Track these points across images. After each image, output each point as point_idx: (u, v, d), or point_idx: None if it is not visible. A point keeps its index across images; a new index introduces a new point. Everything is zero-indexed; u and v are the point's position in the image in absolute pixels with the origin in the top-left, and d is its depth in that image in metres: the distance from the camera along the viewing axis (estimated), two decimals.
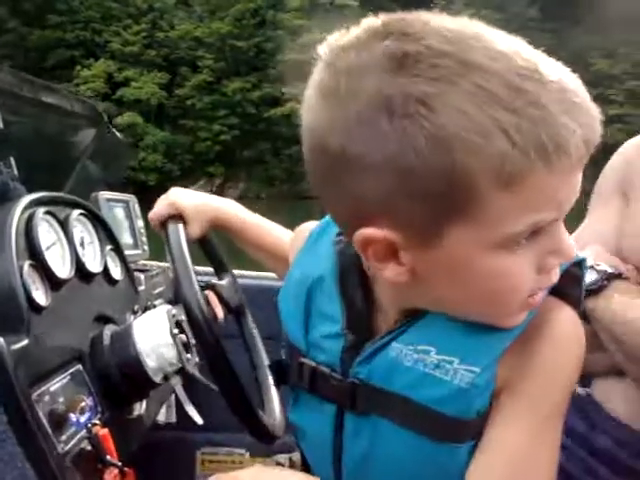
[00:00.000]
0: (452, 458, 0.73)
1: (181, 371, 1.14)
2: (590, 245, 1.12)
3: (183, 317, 1.16)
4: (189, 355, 1.13)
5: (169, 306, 1.18)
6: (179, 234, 0.99)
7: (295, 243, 0.97)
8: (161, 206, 1.08)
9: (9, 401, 0.87)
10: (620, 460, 1.03)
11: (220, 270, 1.24)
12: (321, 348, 0.83)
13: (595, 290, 1.01)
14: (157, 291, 1.66)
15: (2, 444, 0.87)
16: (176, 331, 1.14)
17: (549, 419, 0.72)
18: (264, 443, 0.96)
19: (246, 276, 1.84)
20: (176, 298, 0.95)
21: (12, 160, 1.59)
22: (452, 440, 0.73)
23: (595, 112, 0.61)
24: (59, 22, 45.64)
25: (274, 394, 1.05)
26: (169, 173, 41.44)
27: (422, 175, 0.58)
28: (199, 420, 0.94)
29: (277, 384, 0.98)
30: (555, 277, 0.69)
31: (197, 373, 1.14)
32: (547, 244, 0.65)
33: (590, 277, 1.02)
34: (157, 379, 1.13)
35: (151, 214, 1.09)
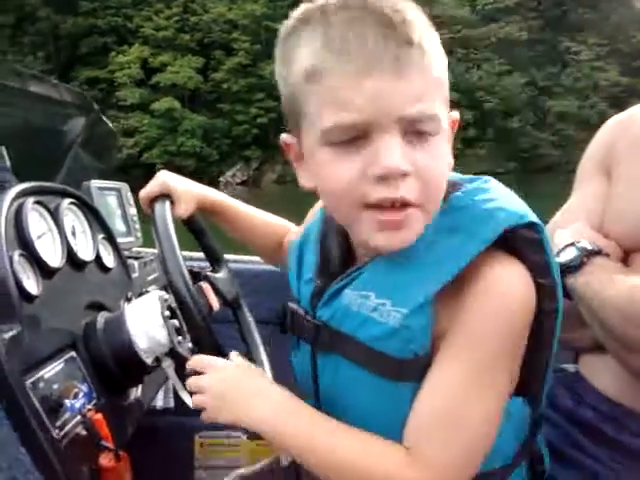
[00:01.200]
0: (397, 398, 0.80)
1: (173, 353, 1.15)
2: (575, 221, 1.13)
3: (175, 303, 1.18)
4: (180, 338, 1.14)
5: (162, 292, 1.20)
6: (165, 211, 1.03)
7: (309, 217, 1.09)
8: (151, 186, 1.11)
9: (3, 388, 0.88)
10: (604, 433, 1.05)
11: (216, 262, 1.25)
12: (301, 293, 0.95)
13: (575, 267, 1.02)
14: (151, 278, 1.67)
15: None
16: (167, 313, 1.16)
17: (482, 372, 0.75)
18: None
19: (239, 261, 1.86)
20: (162, 271, 0.98)
21: (3, 150, 1.59)
22: (395, 378, 0.79)
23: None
24: (91, 9, 45.64)
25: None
26: (207, 157, 41.75)
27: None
28: (191, 403, 0.96)
29: (282, 332, 1.03)
30: (397, 193, 0.73)
31: (189, 356, 1.15)
32: (369, 155, 0.73)
33: (570, 254, 1.03)
34: (149, 361, 1.14)
35: (141, 193, 1.12)
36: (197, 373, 0.91)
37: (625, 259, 1.07)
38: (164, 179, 1.11)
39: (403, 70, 0.71)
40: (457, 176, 0.89)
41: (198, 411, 1.14)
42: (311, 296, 0.92)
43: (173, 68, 43.31)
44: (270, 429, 0.83)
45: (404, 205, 0.74)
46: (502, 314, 0.76)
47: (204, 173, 38.68)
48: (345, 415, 0.84)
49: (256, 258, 1.92)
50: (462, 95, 40.19)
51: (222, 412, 0.87)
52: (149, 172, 43.94)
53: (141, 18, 46.18)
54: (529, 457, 0.92)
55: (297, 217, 1.23)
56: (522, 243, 0.79)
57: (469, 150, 40.67)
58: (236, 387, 0.87)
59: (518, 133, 42.15)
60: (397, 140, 0.72)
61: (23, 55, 44.63)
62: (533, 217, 0.80)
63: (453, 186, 0.84)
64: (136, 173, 42.67)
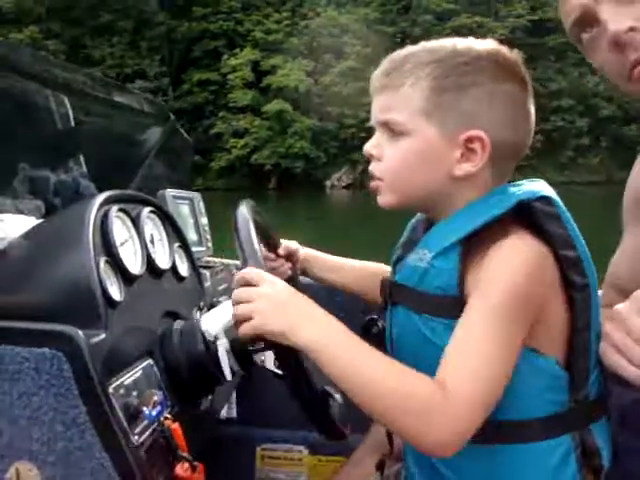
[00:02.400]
0: (437, 334, 0.95)
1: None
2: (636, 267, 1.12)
3: None
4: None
5: None
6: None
7: None
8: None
9: (88, 393, 0.89)
10: None
11: None
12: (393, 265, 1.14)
13: None
14: (221, 288, 1.69)
15: (81, 434, 0.90)
16: None
17: (495, 318, 0.88)
18: (334, 440, 0.98)
19: None
20: None
21: (82, 157, 1.63)
22: (434, 314, 0.96)
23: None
24: (203, 14, 47.44)
25: (337, 397, 1.06)
26: (315, 160, 42.48)
27: None
28: (229, 376, 1.01)
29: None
30: (369, 167, 1.04)
31: (267, 364, 1.13)
32: None
33: None
34: (226, 372, 1.14)
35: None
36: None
37: None
38: None
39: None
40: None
41: (260, 422, 1.13)
42: (393, 264, 1.12)
43: (284, 71, 44.15)
44: (315, 350, 0.87)
45: (372, 176, 1.04)
46: (508, 275, 0.89)
47: (311, 176, 39.57)
48: (408, 362, 0.91)
49: None
50: (576, 102, 39.73)
51: (271, 320, 0.89)
52: (257, 172, 43.34)
53: (251, 22, 47.54)
54: (581, 445, 0.96)
55: (396, 219, 1.32)
56: (541, 216, 0.94)
57: (582, 159, 40.22)
58: (290, 301, 0.91)
59: (635, 141, 41.07)
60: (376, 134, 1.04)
61: (141, 58, 46.85)
62: (548, 193, 0.96)
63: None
64: (244, 171, 43.98)
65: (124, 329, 1.05)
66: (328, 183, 43.04)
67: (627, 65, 0.95)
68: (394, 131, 1.00)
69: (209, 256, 1.85)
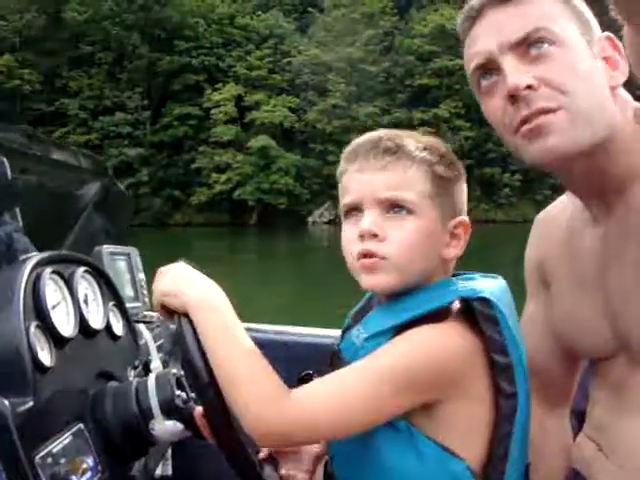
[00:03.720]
0: None
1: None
2: (536, 334, 1.21)
3: (182, 373, 1.20)
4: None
5: (172, 369, 1.21)
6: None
7: None
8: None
9: (14, 466, 0.88)
10: None
11: None
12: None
13: None
14: (158, 343, 1.67)
15: None
16: (178, 392, 1.17)
17: (367, 370, 0.92)
18: None
19: (265, 330, 1.89)
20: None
21: (17, 211, 1.62)
22: None
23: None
24: (185, 48, 46.84)
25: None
26: (299, 197, 42.16)
27: None
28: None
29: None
30: (367, 246, 0.98)
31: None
32: (357, 224, 1.00)
33: None
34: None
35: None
36: None
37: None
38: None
39: None
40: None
41: (198, 478, 1.12)
42: (343, 330, 1.13)
43: (268, 107, 44.08)
44: (193, 313, 0.96)
45: (372, 255, 0.98)
46: (408, 352, 0.92)
47: (293, 212, 39.20)
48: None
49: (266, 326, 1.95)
50: None
51: (170, 286, 0.99)
52: (238, 207, 42.80)
53: (232, 58, 47.39)
54: None
55: None
56: (481, 318, 0.95)
57: (557, 196, 41.21)
58: (185, 270, 1.02)
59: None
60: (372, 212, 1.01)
61: (120, 90, 45.85)
62: (489, 294, 0.96)
63: (456, 275, 1.05)
64: (225, 206, 43.35)
65: (54, 394, 1.04)
66: (310, 219, 43.08)
67: (517, 118, 0.98)
68: (402, 209, 0.99)
69: (147, 311, 1.84)
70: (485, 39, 1.01)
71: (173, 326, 1.02)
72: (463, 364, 0.94)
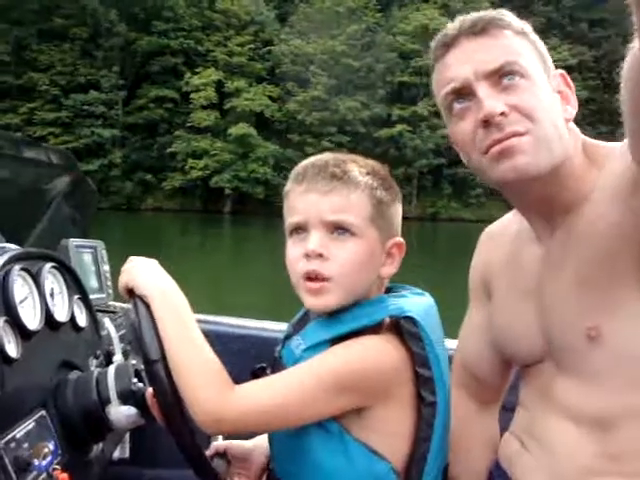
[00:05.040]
0: None
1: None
2: (474, 345, 1.34)
3: (141, 366, 1.28)
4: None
5: (131, 361, 1.29)
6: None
7: None
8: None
9: None
10: None
11: None
12: None
13: None
14: (120, 333, 1.75)
15: None
16: (135, 380, 1.26)
17: (310, 377, 1.00)
18: None
19: (222, 323, 1.95)
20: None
21: None
22: None
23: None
24: (164, 29, 45.18)
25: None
26: (277, 187, 40.39)
27: None
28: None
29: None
30: (306, 268, 1.05)
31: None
32: (302, 243, 1.06)
33: None
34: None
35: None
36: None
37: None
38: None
39: None
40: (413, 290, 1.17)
41: (151, 462, 1.21)
42: (284, 338, 1.19)
43: (249, 95, 43.04)
44: (152, 299, 1.07)
45: (316, 275, 1.05)
46: (347, 359, 1.02)
47: (269, 202, 38.31)
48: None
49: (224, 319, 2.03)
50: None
51: (133, 273, 1.10)
52: (211, 194, 41.91)
53: (211, 43, 45.96)
54: None
55: None
56: (407, 335, 1.05)
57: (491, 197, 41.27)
58: (148, 263, 1.13)
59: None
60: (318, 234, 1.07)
61: (96, 68, 43.91)
62: (414, 314, 1.05)
63: (390, 291, 1.16)
64: (198, 193, 42.35)
65: (19, 384, 1.12)
66: None
67: (487, 141, 1.07)
68: (345, 232, 1.06)
69: (111, 301, 1.92)
70: (460, 66, 1.09)
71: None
72: (394, 373, 1.04)
